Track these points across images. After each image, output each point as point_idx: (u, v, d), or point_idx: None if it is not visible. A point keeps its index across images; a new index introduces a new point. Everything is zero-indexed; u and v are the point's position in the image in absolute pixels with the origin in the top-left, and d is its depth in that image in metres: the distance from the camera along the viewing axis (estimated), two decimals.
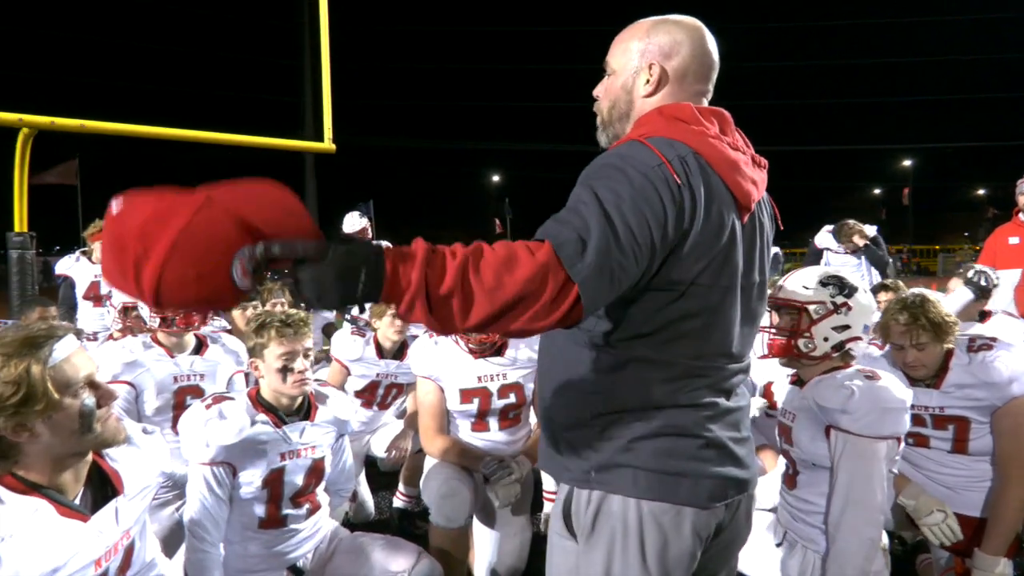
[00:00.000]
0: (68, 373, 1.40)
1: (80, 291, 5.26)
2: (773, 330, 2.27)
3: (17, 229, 5.17)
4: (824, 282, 2.20)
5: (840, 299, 2.16)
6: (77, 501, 1.48)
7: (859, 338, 2.19)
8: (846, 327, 2.16)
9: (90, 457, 1.53)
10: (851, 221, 6.45)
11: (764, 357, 2.32)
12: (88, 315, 5.24)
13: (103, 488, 1.55)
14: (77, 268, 5.31)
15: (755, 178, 1.39)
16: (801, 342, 2.17)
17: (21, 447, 1.37)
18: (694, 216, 1.24)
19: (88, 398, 1.42)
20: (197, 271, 1.05)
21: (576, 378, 1.40)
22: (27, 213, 5.22)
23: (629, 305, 1.31)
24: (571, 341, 1.40)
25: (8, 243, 5.14)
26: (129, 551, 1.60)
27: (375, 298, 1.09)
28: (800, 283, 2.23)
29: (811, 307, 2.17)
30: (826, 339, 2.16)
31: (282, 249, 1.06)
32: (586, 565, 1.40)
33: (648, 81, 1.41)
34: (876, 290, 4.64)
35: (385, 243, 1.20)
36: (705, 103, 1.45)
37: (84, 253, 5.37)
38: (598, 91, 1.52)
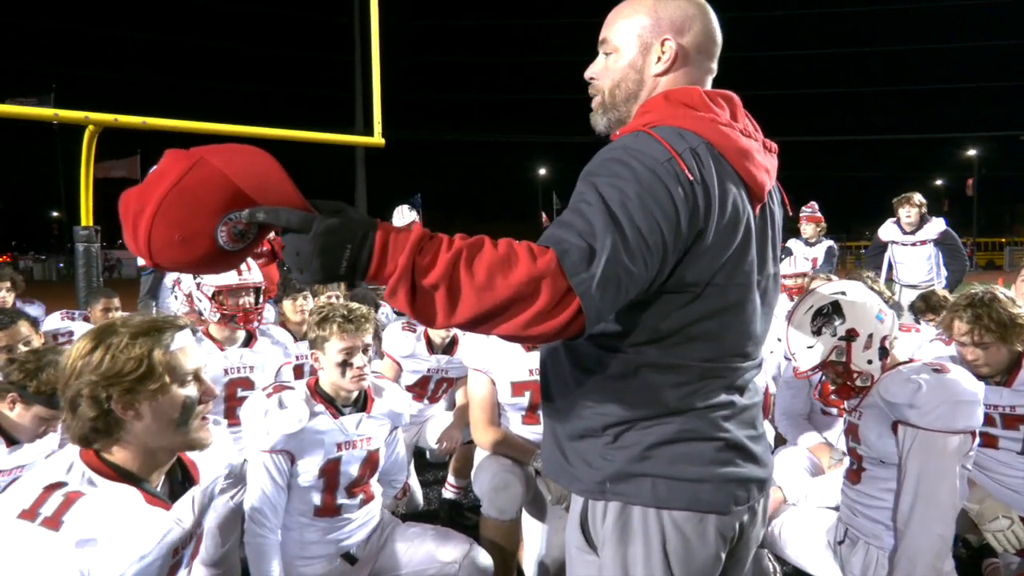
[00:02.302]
0: (182, 362, 1.48)
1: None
2: (832, 386, 2.22)
3: (83, 223, 5.39)
4: (816, 330, 2.12)
5: (841, 330, 2.09)
6: (159, 489, 1.53)
7: (887, 334, 2.12)
8: (869, 337, 2.09)
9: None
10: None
11: (843, 412, 2.30)
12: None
13: (181, 477, 1.61)
14: None
15: (767, 166, 1.30)
16: (858, 382, 2.13)
17: (123, 426, 1.43)
18: (708, 214, 1.15)
19: (193, 391, 1.50)
20: (181, 234, 1.05)
21: (583, 385, 1.32)
22: (92, 207, 5.43)
23: (641, 309, 1.22)
24: (577, 344, 1.31)
25: (75, 236, 5.35)
26: (199, 539, 1.65)
27: (361, 276, 1.06)
28: (803, 346, 2.16)
29: (831, 357, 2.11)
30: (869, 361, 2.10)
31: (266, 216, 1.05)
32: None
33: (660, 59, 1.31)
34: (919, 311, 4.45)
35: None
36: (710, 83, 1.36)
37: None
38: (593, 72, 1.40)
